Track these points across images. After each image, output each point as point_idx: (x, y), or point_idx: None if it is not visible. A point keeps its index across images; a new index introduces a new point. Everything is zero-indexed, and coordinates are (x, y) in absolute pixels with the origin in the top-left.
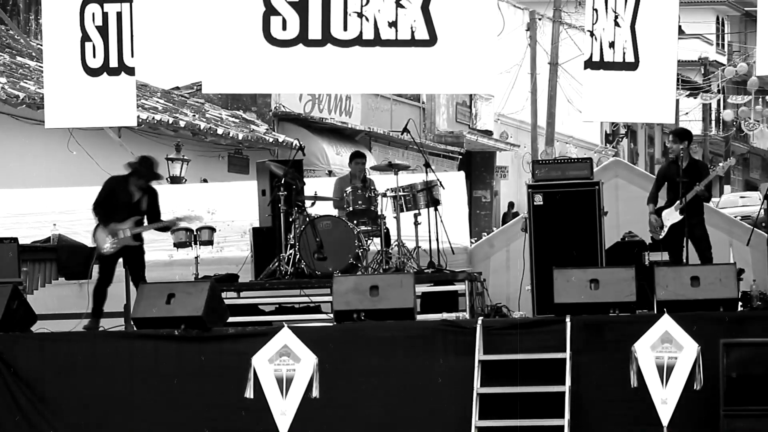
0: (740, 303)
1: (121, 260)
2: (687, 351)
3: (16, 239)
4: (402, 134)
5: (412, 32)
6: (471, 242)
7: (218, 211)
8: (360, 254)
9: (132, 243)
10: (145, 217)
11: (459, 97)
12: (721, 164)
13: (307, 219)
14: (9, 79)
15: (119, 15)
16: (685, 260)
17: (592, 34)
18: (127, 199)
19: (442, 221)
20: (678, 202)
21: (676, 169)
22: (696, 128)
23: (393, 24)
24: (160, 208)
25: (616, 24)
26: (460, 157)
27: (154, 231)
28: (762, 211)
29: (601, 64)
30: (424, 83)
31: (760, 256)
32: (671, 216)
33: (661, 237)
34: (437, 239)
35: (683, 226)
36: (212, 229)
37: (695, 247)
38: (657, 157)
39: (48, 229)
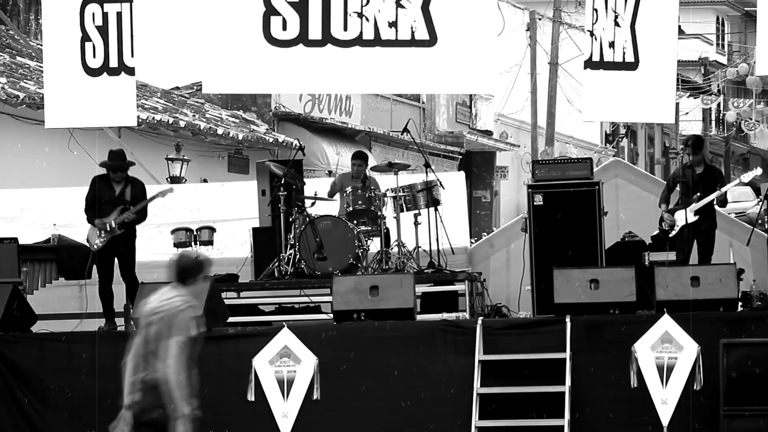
0: (740, 303)
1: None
2: (687, 351)
3: (16, 239)
4: (402, 134)
5: (412, 32)
6: (471, 242)
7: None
8: (360, 254)
9: (117, 232)
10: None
11: (459, 97)
12: (747, 173)
13: (307, 219)
14: (9, 79)
15: (119, 15)
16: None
17: (592, 34)
18: (110, 195)
19: (442, 221)
20: (693, 204)
21: (691, 173)
22: (696, 128)
23: (393, 24)
24: (146, 197)
25: (616, 24)
26: (460, 157)
27: (156, 230)
28: (761, 210)
29: (601, 64)
30: (424, 83)
31: (760, 256)
32: (686, 217)
33: (671, 235)
34: (437, 239)
35: (694, 227)
36: (212, 229)
37: (698, 250)
38: (657, 157)
39: (48, 229)
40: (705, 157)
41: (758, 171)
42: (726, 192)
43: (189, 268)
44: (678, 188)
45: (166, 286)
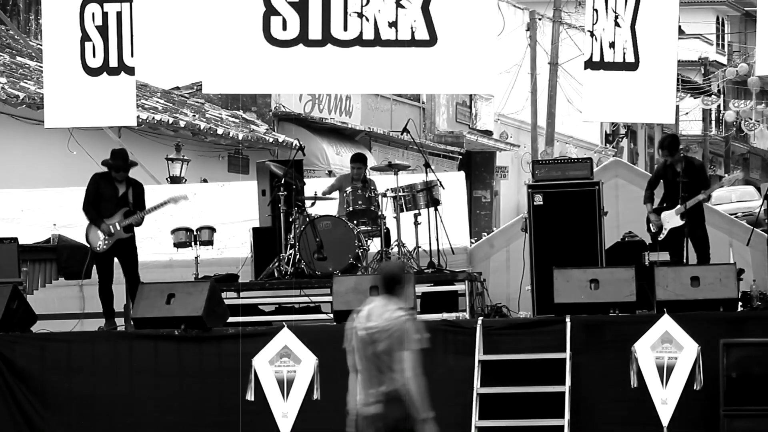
0: (740, 303)
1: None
2: (687, 351)
3: (16, 239)
4: (402, 134)
5: (412, 32)
6: (471, 242)
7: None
8: (360, 254)
9: (123, 235)
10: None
11: (459, 97)
12: (727, 176)
13: (307, 219)
14: (9, 79)
15: (119, 15)
16: (685, 261)
17: (592, 34)
18: (113, 193)
19: (442, 221)
20: (679, 206)
21: (672, 171)
22: (696, 128)
23: (393, 24)
24: (145, 201)
25: (616, 24)
26: (460, 157)
27: (156, 230)
28: (762, 211)
29: (601, 64)
30: (424, 83)
31: (760, 256)
32: (672, 219)
33: (660, 239)
34: (437, 239)
35: (684, 228)
36: (212, 229)
37: (695, 247)
38: (657, 157)
39: (48, 229)
40: (683, 155)
41: (739, 175)
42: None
43: (395, 277)
44: (662, 184)
45: (377, 299)
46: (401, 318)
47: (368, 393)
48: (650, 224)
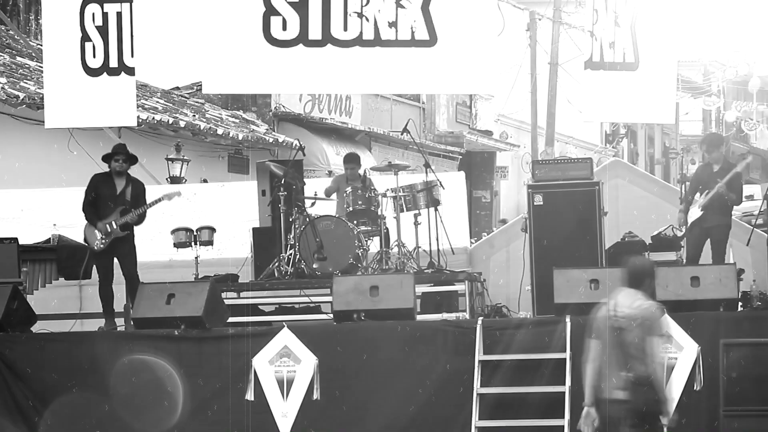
0: (740, 303)
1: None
2: (687, 351)
3: (16, 239)
4: (402, 134)
5: (412, 32)
6: (471, 242)
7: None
8: (360, 254)
9: (120, 234)
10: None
11: (459, 97)
12: (740, 163)
13: (307, 219)
14: (9, 79)
15: (119, 15)
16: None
17: (592, 34)
18: (111, 192)
19: (442, 221)
20: (701, 198)
21: (709, 170)
22: (696, 128)
23: (393, 24)
24: (146, 200)
25: (616, 24)
26: (460, 157)
27: (156, 230)
28: (761, 209)
29: (601, 64)
30: (424, 83)
31: (760, 256)
32: (693, 213)
33: (681, 234)
34: (437, 239)
35: (702, 223)
36: (212, 229)
37: (711, 248)
38: (657, 157)
39: (48, 229)
40: (724, 155)
41: (749, 158)
42: (739, 189)
43: (643, 271)
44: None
45: (623, 290)
46: (649, 308)
47: (615, 377)
48: (677, 221)
